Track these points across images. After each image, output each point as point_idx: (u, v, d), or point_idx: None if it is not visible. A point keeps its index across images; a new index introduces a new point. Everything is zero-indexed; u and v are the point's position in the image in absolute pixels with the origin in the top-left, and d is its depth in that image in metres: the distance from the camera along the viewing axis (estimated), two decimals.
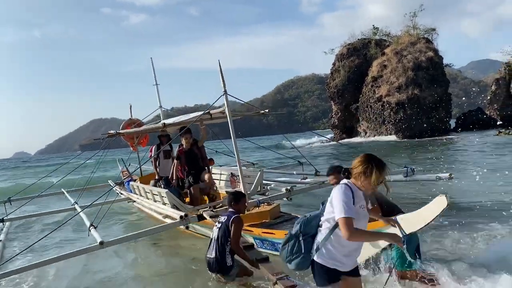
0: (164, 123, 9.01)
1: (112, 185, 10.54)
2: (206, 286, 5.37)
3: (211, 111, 7.74)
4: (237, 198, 5.40)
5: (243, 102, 8.92)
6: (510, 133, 34.26)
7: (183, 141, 8.36)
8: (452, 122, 48.82)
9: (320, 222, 3.36)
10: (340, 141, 39.96)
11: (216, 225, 5.32)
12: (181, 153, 8.45)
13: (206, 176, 8.33)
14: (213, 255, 5.12)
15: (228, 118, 6.85)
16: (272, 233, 5.88)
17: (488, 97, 51.38)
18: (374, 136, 45.48)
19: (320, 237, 3.31)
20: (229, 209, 5.38)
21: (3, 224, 9.31)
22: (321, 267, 3.27)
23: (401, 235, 4.10)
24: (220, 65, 6.59)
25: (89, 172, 11.91)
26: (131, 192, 10.45)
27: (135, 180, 11.07)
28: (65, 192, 11.32)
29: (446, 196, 3.87)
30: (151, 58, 13.27)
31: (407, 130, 42.66)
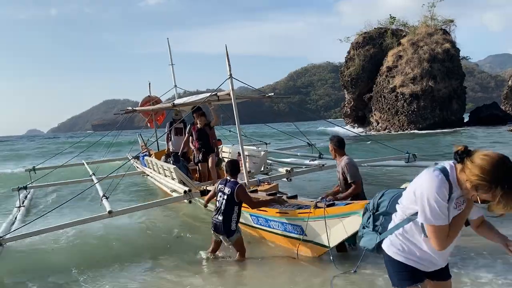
0: (173, 103, 9.62)
1: (129, 158, 11.25)
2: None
3: (218, 93, 8.10)
4: (234, 169, 5.86)
5: (253, 88, 9.24)
6: None
7: (197, 120, 8.78)
8: (466, 116, 48.36)
9: (397, 206, 2.64)
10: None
11: (220, 196, 5.72)
12: (194, 130, 8.93)
13: (210, 160, 8.77)
14: (221, 218, 5.61)
15: (232, 100, 7.12)
16: (265, 211, 6.09)
17: (504, 92, 50.66)
18: (386, 127, 45.22)
19: (391, 224, 2.67)
20: (230, 179, 5.80)
21: (26, 191, 10.17)
22: (392, 260, 2.64)
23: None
24: (227, 50, 6.81)
25: (103, 151, 12.77)
26: (146, 166, 11.14)
27: (151, 155, 11.72)
28: (85, 164, 12.34)
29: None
30: (168, 38, 13.91)
31: (419, 122, 42.38)
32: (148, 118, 13.57)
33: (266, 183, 7.48)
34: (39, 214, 7.80)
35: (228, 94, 7.54)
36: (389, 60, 46.84)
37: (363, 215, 2.94)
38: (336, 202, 5.35)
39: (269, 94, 9.63)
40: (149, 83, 13.92)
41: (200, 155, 8.77)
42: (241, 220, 5.94)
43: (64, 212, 8.66)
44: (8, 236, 5.90)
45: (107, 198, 6.96)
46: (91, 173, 10.31)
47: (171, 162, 9.47)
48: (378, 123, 46.89)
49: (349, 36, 53.29)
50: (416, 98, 42.84)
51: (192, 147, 9.21)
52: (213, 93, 8.12)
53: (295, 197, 6.40)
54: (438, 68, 42.95)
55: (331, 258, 5.11)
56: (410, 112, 43.10)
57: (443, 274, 2.71)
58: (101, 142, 12.73)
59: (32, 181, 10.27)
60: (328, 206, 5.18)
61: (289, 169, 7.87)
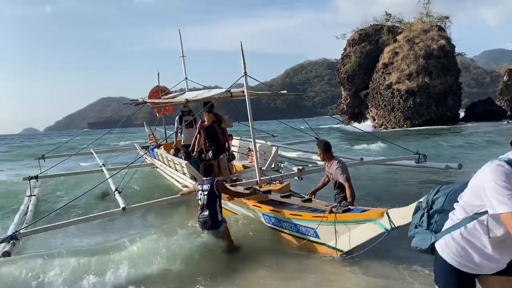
0: (186, 99, 9.33)
1: (138, 148, 11.23)
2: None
3: (232, 90, 7.91)
4: (209, 171, 6.13)
5: (259, 83, 8.91)
6: None
7: (205, 118, 8.45)
8: (462, 112, 48.73)
9: (455, 204, 2.48)
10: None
11: (201, 194, 5.97)
12: (201, 128, 8.59)
13: (220, 163, 8.47)
14: (207, 214, 5.87)
15: (246, 98, 6.98)
16: (278, 212, 6.12)
17: (499, 88, 50.99)
18: (382, 123, 45.50)
19: (448, 224, 2.49)
20: (206, 179, 6.06)
21: (37, 180, 10.41)
22: (443, 262, 2.49)
23: (389, 227, 4.53)
24: (242, 47, 6.71)
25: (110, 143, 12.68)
26: (155, 158, 11.08)
27: (159, 147, 11.69)
28: (93, 153, 12.44)
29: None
30: (179, 30, 13.56)
31: (415, 118, 42.69)
32: (156, 108, 13.45)
33: (278, 182, 7.40)
34: (50, 207, 7.94)
35: (242, 92, 7.41)
36: (385, 56, 47.10)
37: (415, 213, 2.77)
38: (351, 207, 5.39)
39: (282, 92, 9.45)
40: (158, 73, 13.66)
41: (210, 154, 8.37)
42: (251, 215, 6.15)
43: (74, 204, 8.71)
44: (22, 230, 6.03)
45: (119, 192, 6.99)
46: (100, 163, 10.42)
47: (183, 157, 9.42)
48: (374, 120, 47.19)
49: (345, 33, 53.61)
50: (412, 95, 43.14)
51: (203, 146, 8.90)
52: (227, 90, 7.88)
53: (309, 200, 6.28)
54: (433, 65, 43.23)
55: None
56: (406, 108, 43.40)
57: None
58: (105, 137, 12.51)
59: (42, 171, 10.51)
60: (344, 211, 5.22)
61: (300, 167, 7.84)
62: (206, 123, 8.44)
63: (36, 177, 10.16)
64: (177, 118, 10.66)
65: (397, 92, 44.06)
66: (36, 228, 6.09)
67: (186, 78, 13.27)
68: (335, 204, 5.58)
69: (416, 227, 2.70)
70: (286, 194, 6.76)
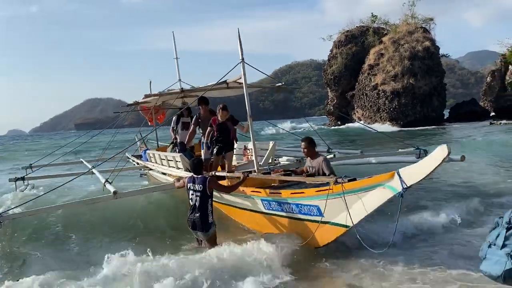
0: (181, 88, 9.27)
1: (128, 157, 11.36)
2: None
3: (228, 80, 7.58)
4: (199, 167, 6.10)
5: (265, 75, 8.95)
6: (502, 124, 34.86)
7: (219, 114, 7.83)
8: (446, 112, 49.42)
9: None
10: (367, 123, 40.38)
11: (193, 194, 5.90)
12: (214, 123, 7.96)
13: (226, 163, 8.12)
14: (198, 215, 5.80)
15: (244, 86, 6.66)
16: (278, 193, 5.89)
17: (483, 89, 51.79)
18: (369, 123, 45.93)
19: None
20: (197, 177, 5.97)
21: (24, 182, 10.23)
22: None
23: (401, 188, 4.29)
24: (239, 33, 6.43)
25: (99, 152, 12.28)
26: (147, 161, 10.94)
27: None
28: (83, 161, 12.12)
29: (447, 145, 3.96)
30: (173, 32, 13.19)
31: (401, 118, 43.19)
32: (148, 116, 13.09)
33: (276, 170, 7.17)
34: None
35: (237, 82, 7.09)
36: (370, 58, 47.61)
37: (492, 230, 2.47)
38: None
39: (279, 84, 9.39)
40: (150, 82, 13.37)
41: (216, 149, 7.83)
42: (250, 206, 6.09)
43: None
44: (8, 213, 5.94)
45: (110, 182, 6.82)
46: (90, 166, 9.99)
47: (177, 150, 9.29)
48: (360, 120, 47.62)
49: (331, 34, 54.00)
50: (397, 96, 43.67)
51: (203, 139, 8.52)
52: (222, 80, 7.39)
53: (312, 175, 6.05)
54: (418, 66, 43.80)
55: (358, 236, 4.91)
56: (391, 109, 43.91)
57: None
58: (91, 143, 12.25)
59: (28, 172, 10.40)
60: (350, 181, 4.86)
61: (299, 158, 7.74)
62: (220, 119, 7.85)
63: (23, 178, 10.01)
64: (174, 118, 10.42)
65: (383, 93, 44.56)
66: (20, 212, 5.95)
67: (180, 80, 13.12)
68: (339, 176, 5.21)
69: (489, 246, 2.38)
70: (287, 172, 6.65)
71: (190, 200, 5.96)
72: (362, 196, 4.76)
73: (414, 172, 4.24)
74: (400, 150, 9.04)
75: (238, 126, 8.09)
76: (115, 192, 6.16)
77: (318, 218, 5.29)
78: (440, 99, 45.66)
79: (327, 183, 5.12)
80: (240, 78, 6.85)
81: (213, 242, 5.92)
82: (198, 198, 5.83)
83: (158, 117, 13.27)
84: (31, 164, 11.71)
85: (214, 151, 7.89)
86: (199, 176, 5.98)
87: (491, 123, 36.22)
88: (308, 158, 6.44)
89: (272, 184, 6.70)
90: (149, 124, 13.61)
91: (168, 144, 11.06)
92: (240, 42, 6.46)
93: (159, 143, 12.85)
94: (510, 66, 46.07)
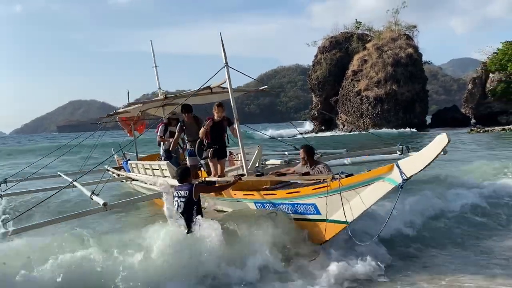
0: (165, 95, 9.00)
1: (108, 169, 11.18)
2: None
3: (211, 85, 7.39)
4: (185, 175, 6.10)
5: (251, 79, 8.93)
6: (481, 131, 35.32)
7: (214, 112, 7.20)
8: (429, 119, 50.00)
9: None
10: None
11: (177, 200, 5.88)
12: (210, 120, 7.29)
13: (219, 168, 7.53)
14: (182, 222, 5.76)
15: (229, 90, 6.50)
16: (273, 194, 5.84)
17: (464, 95, 52.64)
18: (352, 129, 46.23)
19: None
20: (183, 184, 5.98)
21: (6, 185, 10.35)
22: None
23: (400, 180, 4.30)
24: (221, 37, 6.37)
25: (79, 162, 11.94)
26: (129, 171, 10.73)
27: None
28: (62, 174, 11.49)
29: (447, 134, 3.96)
30: (151, 40, 12.89)
31: (384, 124, 43.56)
32: (128, 128, 12.84)
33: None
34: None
35: (221, 86, 6.97)
36: (354, 64, 48.02)
37: None
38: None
39: (263, 87, 9.44)
40: (128, 92, 12.91)
41: (210, 152, 7.19)
42: (240, 210, 6.02)
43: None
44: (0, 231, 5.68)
45: (97, 195, 6.59)
46: (70, 180, 9.23)
47: (163, 159, 9.15)
48: (344, 125, 47.93)
49: (316, 40, 54.34)
50: (380, 101, 44.12)
51: (188, 146, 8.22)
52: (206, 85, 7.18)
53: (307, 173, 6.04)
54: (401, 72, 44.36)
55: (349, 233, 4.90)
56: (374, 114, 44.32)
57: None
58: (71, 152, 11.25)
59: (4, 188, 10.18)
60: (347, 176, 4.86)
61: (287, 159, 7.82)
62: (216, 117, 7.19)
63: (5, 182, 10.24)
64: (160, 127, 9.77)
65: (366, 99, 44.96)
66: (17, 228, 5.64)
67: (159, 88, 12.67)
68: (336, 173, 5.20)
69: None
70: (281, 173, 6.61)
71: (178, 208, 5.92)
72: (360, 191, 4.75)
73: (414, 163, 4.26)
74: (383, 149, 8.99)
75: (231, 129, 7.34)
76: (105, 204, 6.05)
77: (315, 217, 5.25)
78: (423, 105, 46.26)
79: (324, 181, 5.10)
80: (224, 82, 6.78)
81: None
82: (182, 203, 5.82)
83: (137, 128, 12.88)
84: (5, 179, 11.22)
85: (209, 154, 7.19)
86: (185, 183, 6.00)
87: (471, 130, 36.64)
88: (306, 165, 6.48)
89: (264, 186, 6.67)
90: (129, 136, 13.40)
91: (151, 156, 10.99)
92: (223, 45, 6.39)
93: (138, 155, 12.46)
94: (490, 74, 46.90)
